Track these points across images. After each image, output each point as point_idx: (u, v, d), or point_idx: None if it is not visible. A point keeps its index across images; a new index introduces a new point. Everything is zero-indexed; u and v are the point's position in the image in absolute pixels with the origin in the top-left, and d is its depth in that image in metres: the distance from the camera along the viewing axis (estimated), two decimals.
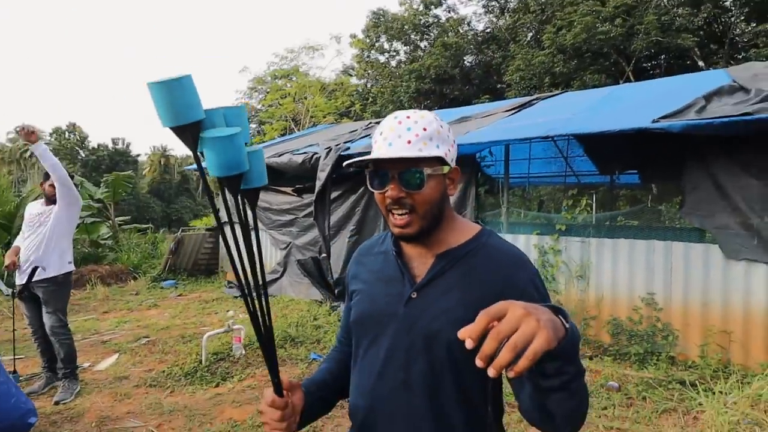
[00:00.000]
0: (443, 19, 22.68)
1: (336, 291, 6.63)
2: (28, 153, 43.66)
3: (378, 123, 8.68)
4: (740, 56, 16.32)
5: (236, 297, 7.39)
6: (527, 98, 8.07)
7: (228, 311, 6.48)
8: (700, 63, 15.97)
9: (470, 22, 22.59)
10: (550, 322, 0.63)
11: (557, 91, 9.93)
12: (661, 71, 17.29)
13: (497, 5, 22.09)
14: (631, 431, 3.14)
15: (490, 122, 6.29)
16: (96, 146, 42.64)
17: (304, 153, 6.98)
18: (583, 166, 9.50)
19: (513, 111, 6.96)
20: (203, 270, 9.16)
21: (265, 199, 8.07)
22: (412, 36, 23.03)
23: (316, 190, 6.40)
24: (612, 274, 4.87)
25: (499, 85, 20.82)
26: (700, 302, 4.36)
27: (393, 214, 0.96)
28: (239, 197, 0.97)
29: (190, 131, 0.81)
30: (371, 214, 6.70)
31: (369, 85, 24.39)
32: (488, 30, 22.16)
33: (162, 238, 12.10)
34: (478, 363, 0.61)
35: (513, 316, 0.61)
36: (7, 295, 4.08)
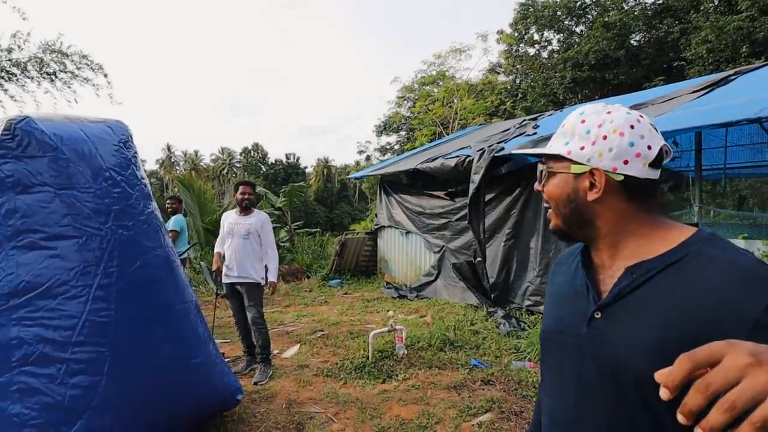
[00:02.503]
0: None
1: (492, 296, 6.48)
2: (225, 170, 52.86)
3: (533, 119, 8.25)
4: None
5: (394, 298, 7.76)
6: (722, 74, 6.79)
7: (388, 311, 6.84)
8: None
9: None
10: None
11: (762, 62, 8.13)
12: None
13: None
14: None
15: (673, 107, 5.45)
16: (274, 161, 49.49)
17: (457, 156, 7.00)
18: None
19: (704, 91, 5.94)
20: (364, 271, 9.87)
21: (419, 203, 8.33)
22: (566, 22, 21.30)
23: (470, 192, 6.35)
24: None
25: (675, 63, 17.96)
26: None
27: None
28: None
29: None
30: (529, 216, 6.38)
31: (518, 81, 23.37)
32: (660, 1, 19.29)
33: (328, 241, 13.41)
34: (680, 419, 0.49)
35: (732, 364, 0.45)
36: (217, 293, 4.98)
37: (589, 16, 20.96)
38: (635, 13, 19.11)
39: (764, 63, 7.44)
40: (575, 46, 19.90)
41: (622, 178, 0.83)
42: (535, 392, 3.73)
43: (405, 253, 8.91)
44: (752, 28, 13.73)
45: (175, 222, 6.38)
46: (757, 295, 0.68)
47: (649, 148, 0.83)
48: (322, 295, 8.31)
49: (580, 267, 0.95)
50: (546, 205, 0.96)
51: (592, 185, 0.87)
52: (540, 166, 0.96)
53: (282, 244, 12.04)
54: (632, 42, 19.30)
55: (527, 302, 6.21)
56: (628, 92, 12.37)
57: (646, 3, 19.75)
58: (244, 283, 4.31)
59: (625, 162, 0.83)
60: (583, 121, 0.89)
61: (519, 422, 3.29)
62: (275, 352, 5.00)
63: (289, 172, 45.93)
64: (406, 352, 4.73)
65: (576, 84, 19.16)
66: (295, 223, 14.65)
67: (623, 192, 0.85)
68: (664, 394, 0.51)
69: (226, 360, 4.73)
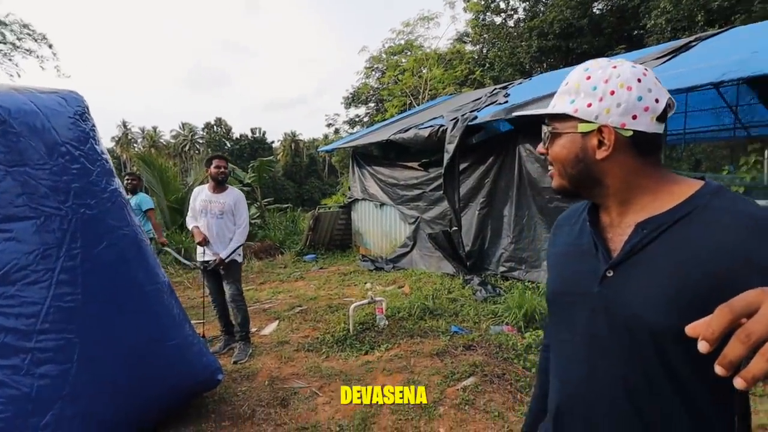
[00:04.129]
0: None
1: (468, 264, 6.56)
2: (187, 147, 50.94)
3: (503, 88, 8.22)
4: None
5: (371, 270, 7.76)
6: (683, 40, 6.91)
7: (366, 283, 6.83)
8: None
9: None
10: None
11: (718, 29, 8.33)
12: None
13: None
14: None
15: None
16: (239, 137, 47.99)
17: (430, 126, 6.93)
18: (749, 116, 7.92)
19: (667, 57, 6.03)
20: (338, 245, 9.80)
21: (392, 174, 8.26)
22: None
23: (445, 162, 6.32)
24: None
25: (636, 32, 18.25)
26: None
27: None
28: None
29: None
30: (502, 185, 6.43)
31: (485, 51, 23.26)
32: None
33: (299, 216, 13.21)
34: (719, 371, 0.47)
35: None
36: (195, 267, 4.80)
37: None
38: None
39: (721, 29, 7.63)
40: (540, 14, 19.88)
41: (631, 133, 0.82)
42: (516, 355, 3.82)
43: (380, 225, 8.88)
44: None
45: (147, 199, 6.09)
46: None
47: (657, 101, 0.81)
48: (297, 271, 8.21)
49: (587, 225, 0.92)
50: (550, 166, 0.93)
51: (600, 143, 0.84)
52: (544, 128, 0.92)
53: (253, 221, 11.78)
54: (595, 11, 19.44)
55: (502, 268, 6.33)
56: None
57: None
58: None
59: (634, 117, 0.81)
60: (589, 77, 0.85)
61: (502, 384, 3.36)
62: (254, 329, 4.92)
63: (255, 148, 44.72)
64: (386, 322, 4.74)
65: (542, 53, 19.25)
66: (266, 200, 14.34)
67: (632, 148, 0.83)
68: (703, 347, 0.49)
69: (206, 341, 4.63)
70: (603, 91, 0.82)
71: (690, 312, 0.67)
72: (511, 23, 22.47)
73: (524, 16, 21.90)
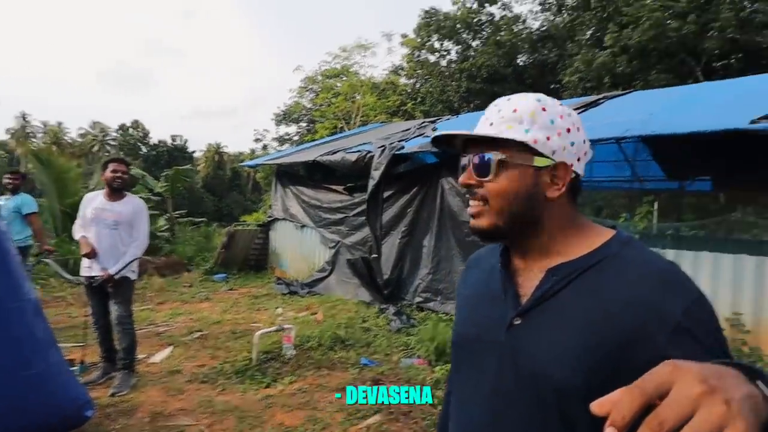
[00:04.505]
0: (497, 17, 22.10)
1: (385, 293, 6.48)
2: (96, 148, 46.77)
3: (432, 122, 8.46)
4: None
5: (285, 294, 7.40)
6: (593, 97, 7.60)
7: (277, 308, 6.47)
8: None
9: (525, 20, 21.89)
10: (746, 401, 0.38)
11: (623, 91, 9.32)
12: (733, 72, 16.00)
13: (555, 2, 21.21)
14: None
15: None
16: (157, 142, 44.92)
17: (358, 152, 6.88)
18: (644, 171, 8.85)
19: (578, 111, 6.55)
20: (253, 265, 9.29)
21: (316, 196, 8.06)
22: (464, 35, 22.56)
23: (369, 188, 6.27)
24: None
25: (553, 86, 20.02)
26: None
27: (470, 203, 0.84)
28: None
29: None
30: (424, 216, 6.49)
31: (418, 85, 24.17)
32: (544, 28, 21.37)
33: (215, 232, 12.45)
34: None
35: (684, 395, 0.38)
36: (78, 284, 4.19)
37: (484, 33, 22.42)
38: (523, 36, 20.91)
39: (625, 92, 8.53)
40: (471, 59, 21.16)
41: (574, 175, 0.79)
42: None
43: (299, 247, 8.57)
44: (614, 63, 15.80)
45: (29, 202, 5.32)
46: (677, 297, 0.67)
47: (590, 147, 0.83)
48: (203, 291, 7.61)
49: (499, 269, 0.85)
50: (477, 202, 0.80)
51: (552, 180, 0.78)
52: (490, 155, 0.78)
53: (160, 234, 10.87)
54: (519, 62, 21.13)
55: (418, 299, 6.31)
56: None
57: (532, 28, 21.73)
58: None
59: (578, 159, 0.80)
60: (545, 109, 0.78)
61: (407, 422, 3.24)
62: (141, 356, 4.38)
63: (174, 156, 41.98)
64: (294, 352, 4.46)
65: (470, 94, 20.40)
66: (178, 211, 13.37)
67: (571, 190, 0.80)
68: None
69: (83, 368, 3.98)
70: (561, 127, 0.78)
71: (597, 372, 0.67)
72: (443, 63, 23.64)
73: (456, 58, 23.17)
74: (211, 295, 7.33)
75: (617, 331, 0.67)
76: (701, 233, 8.81)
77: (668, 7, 14.32)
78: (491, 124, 0.79)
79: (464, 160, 0.83)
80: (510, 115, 0.78)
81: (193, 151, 46.76)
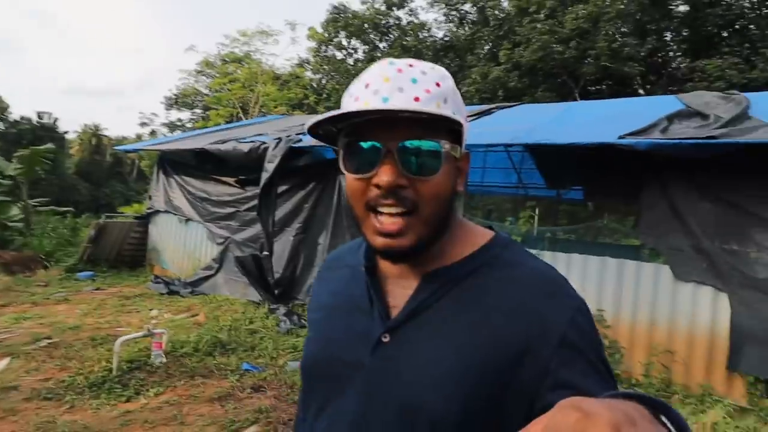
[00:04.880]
0: (404, 22, 22.64)
1: (276, 292, 6.15)
2: None
3: None
4: (675, 88, 17.52)
5: (163, 294, 6.68)
6: (486, 106, 8.00)
7: (151, 310, 5.80)
8: (641, 91, 16.95)
9: (430, 28, 22.73)
10: None
11: (513, 103, 10.02)
12: (604, 96, 18.24)
13: (457, 15, 22.32)
14: None
15: None
16: (19, 118, 38.67)
17: (252, 142, 6.45)
18: (528, 178, 9.62)
19: (472, 118, 6.83)
20: (128, 262, 8.29)
21: (204, 188, 7.43)
22: (372, 35, 22.78)
23: (262, 182, 5.89)
24: None
25: None
26: (648, 321, 4.35)
27: (380, 214, 0.60)
28: None
29: None
30: (320, 212, 6.29)
31: (324, 81, 23.84)
32: (447, 38, 22.36)
33: (85, 224, 10.93)
34: None
35: None
36: None
37: (391, 36, 22.85)
38: (427, 43, 21.68)
39: (515, 104, 9.17)
40: (377, 60, 21.41)
41: None
42: None
43: (182, 243, 7.82)
44: (507, 78, 17.06)
45: None
46: (561, 307, 0.60)
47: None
48: (62, 291, 6.58)
49: (363, 274, 0.69)
50: (396, 211, 0.60)
51: (460, 172, 0.67)
52: (436, 144, 0.60)
53: (12, 224, 9.26)
54: None
55: (311, 298, 6.08)
56: None
57: (436, 37, 22.64)
58: None
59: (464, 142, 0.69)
60: (439, 84, 0.61)
61: (286, 431, 3.01)
62: None
63: (40, 135, 36.38)
64: (164, 360, 3.97)
65: None
66: (38, 199, 11.54)
67: None
68: None
69: None
70: (462, 109, 0.64)
71: (478, 397, 0.58)
72: (350, 61, 23.63)
73: (363, 58, 23.29)
74: (72, 296, 6.35)
75: (501, 345, 0.59)
76: (572, 237, 9.79)
77: (555, 31, 15.78)
78: (417, 99, 0.58)
79: (364, 152, 0.60)
80: (436, 91, 0.60)
81: (66, 132, 41.15)
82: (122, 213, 12.80)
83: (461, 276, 0.64)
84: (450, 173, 0.63)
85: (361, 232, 0.65)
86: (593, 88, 19.46)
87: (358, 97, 0.61)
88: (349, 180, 0.63)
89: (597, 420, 0.30)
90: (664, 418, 0.37)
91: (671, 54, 17.88)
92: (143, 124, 28.47)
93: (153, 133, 27.56)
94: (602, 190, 8.44)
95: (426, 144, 0.59)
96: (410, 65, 0.62)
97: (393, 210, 0.59)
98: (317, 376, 0.70)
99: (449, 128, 0.61)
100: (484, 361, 0.58)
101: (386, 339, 0.63)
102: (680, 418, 0.38)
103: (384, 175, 0.58)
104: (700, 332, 4.14)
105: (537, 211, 11.11)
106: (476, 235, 0.69)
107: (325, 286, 0.79)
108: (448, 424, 0.58)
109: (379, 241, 0.61)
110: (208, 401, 3.36)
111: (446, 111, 0.60)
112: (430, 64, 0.65)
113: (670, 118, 4.26)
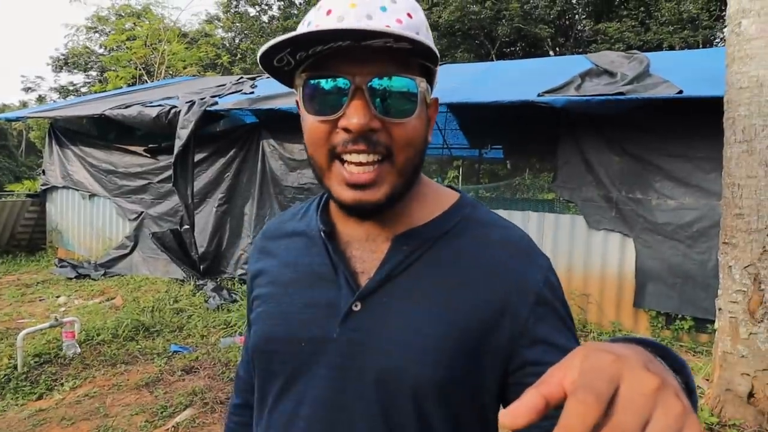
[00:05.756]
0: None
1: (202, 267, 5.82)
2: None
3: (251, 79, 7.73)
4: (581, 50, 18.60)
5: (71, 279, 6.06)
6: None
7: (58, 297, 5.25)
8: (551, 53, 17.78)
9: None
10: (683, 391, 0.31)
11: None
12: (519, 57, 18.93)
13: None
14: None
15: None
16: None
17: (159, 106, 5.86)
18: (453, 139, 9.83)
19: None
20: (24, 246, 7.39)
21: (109, 159, 6.73)
22: None
23: (176, 150, 5.41)
24: None
25: None
26: (566, 268, 4.70)
27: (348, 163, 0.53)
28: None
29: None
30: (244, 180, 5.96)
31: (237, 40, 22.24)
32: None
33: None
34: None
35: (639, 393, 0.27)
36: None
37: None
38: None
39: (441, 63, 9.17)
40: (293, 17, 20.29)
41: None
42: None
43: (89, 221, 7.08)
44: None
45: None
46: (535, 266, 0.60)
47: None
48: None
49: (321, 239, 0.62)
50: (369, 159, 0.53)
51: (431, 120, 0.60)
52: (412, 81, 0.52)
53: None
54: None
55: (240, 271, 5.84)
56: None
57: None
58: None
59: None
60: (410, 15, 0.54)
61: (224, 410, 2.90)
62: None
63: None
64: (78, 351, 3.61)
65: None
66: None
67: None
68: None
69: None
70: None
71: (461, 360, 0.55)
72: (265, 18, 22.19)
73: (278, 14, 21.97)
74: None
75: (480, 306, 0.56)
76: (494, 194, 10.27)
77: None
78: (387, 27, 0.48)
79: (328, 89, 0.52)
80: (409, 22, 0.52)
81: None
82: (12, 192, 11.29)
83: (435, 237, 0.60)
84: (423, 117, 0.57)
85: (323, 185, 0.58)
86: (508, 50, 20.15)
87: (319, 25, 0.51)
88: (309, 123, 0.54)
89: (628, 360, 0.30)
90: (660, 361, 0.36)
91: (576, 17, 18.81)
92: (28, 89, 24.85)
93: (41, 99, 24.27)
94: (520, 148, 8.87)
95: (401, 81, 0.52)
96: None
97: (364, 158, 0.52)
98: (275, 357, 0.62)
99: (421, 67, 0.54)
100: (464, 323, 0.56)
101: (357, 308, 0.58)
102: (678, 357, 0.39)
103: (354, 117, 0.51)
104: (610, 275, 4.56)
105: (461, 171, 11.48)
106: (441, 195, 0.65)
107: (273, 259, 0.68)
108: (430, 390, 0.55)
109: (347, 195, 0.54)
110: (134, 389, 3.12)
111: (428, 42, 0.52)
112: None
113: (583, 76, 4.49)
